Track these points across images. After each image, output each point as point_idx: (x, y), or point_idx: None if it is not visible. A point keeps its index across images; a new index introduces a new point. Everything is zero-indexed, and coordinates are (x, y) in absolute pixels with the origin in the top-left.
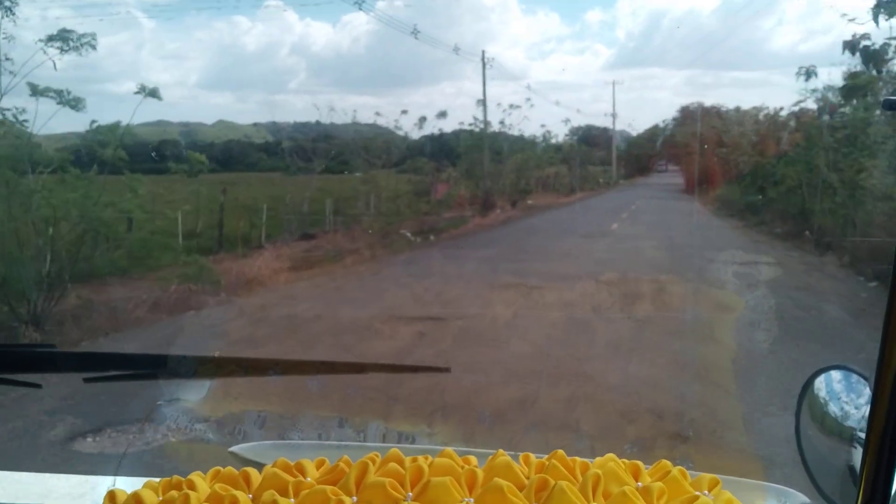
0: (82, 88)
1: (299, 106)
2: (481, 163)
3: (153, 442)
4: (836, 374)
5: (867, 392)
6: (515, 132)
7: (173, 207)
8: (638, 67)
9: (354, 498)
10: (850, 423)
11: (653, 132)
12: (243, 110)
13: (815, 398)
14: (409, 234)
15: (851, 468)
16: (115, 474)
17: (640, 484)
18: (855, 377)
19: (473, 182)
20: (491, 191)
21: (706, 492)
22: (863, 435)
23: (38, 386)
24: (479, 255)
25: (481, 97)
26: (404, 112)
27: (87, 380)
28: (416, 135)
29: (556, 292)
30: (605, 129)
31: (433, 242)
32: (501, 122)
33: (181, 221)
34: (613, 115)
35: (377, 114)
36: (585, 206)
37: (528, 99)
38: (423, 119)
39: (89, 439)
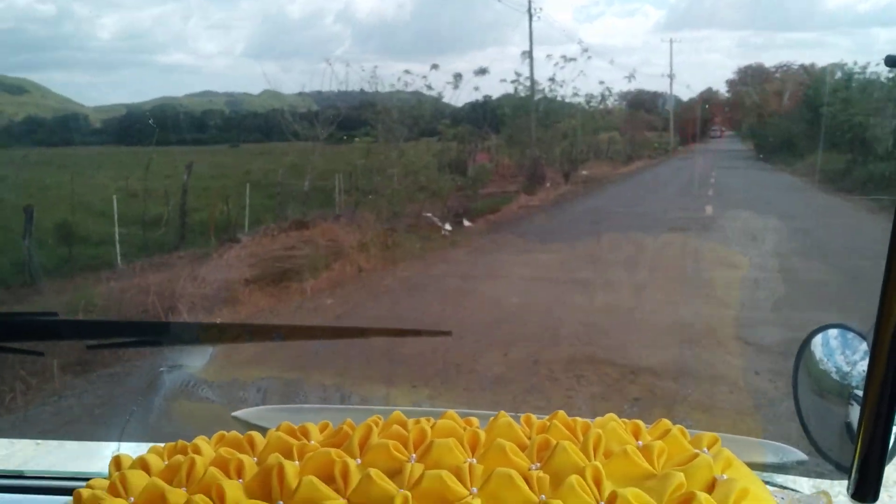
0: (131, 59)
1: (343, 75)
2: (528, 128)
3: (156, 408)
4: (833, 333)
5: (864, 349)
6: (564, 95)
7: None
8: (687, 29)
9: (359, 460)
10: (847, 380)
11: (707, 96)
12: (289, 80)
13: (812, 357)
14: (435, 219)
15: (848, 425)
16: (119, 440)
17: (640, 443)
18: (851, 335)
19: (518, 150)
20: (538, 160)
21: (705, 449)
22: (860, 392)
23: (40, 354)
24: (525, 269)
25: (528, 57)
26: (450, 80)
27: (90, 346)
28: (460, 102)
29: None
30: (655, 94)
31: (465, 233)
32: (551, 82)
33: (133, 205)
34: (671, 76)
35: (424, 80)
36: (652, 178)
37: (575, 59)
38: (458, 76)
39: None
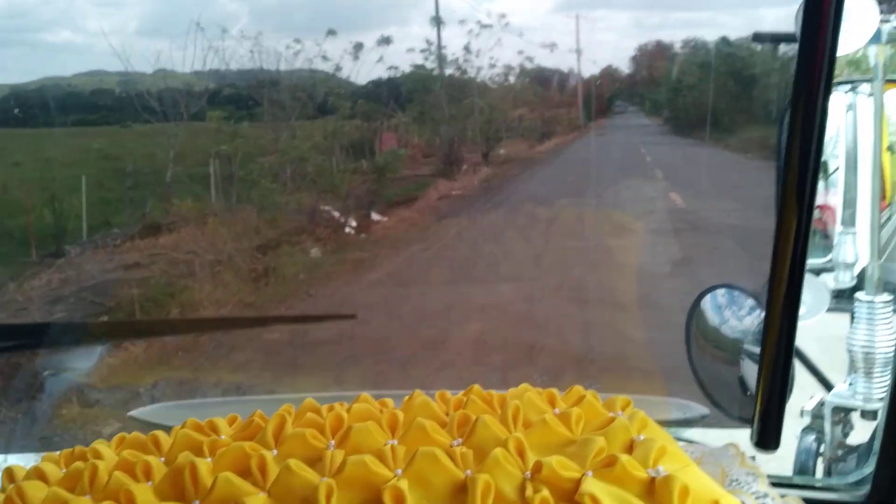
0: (16, 38)
1: (241, 52)
2: (439, 105)
3: (44, 416)
4: (721, 292)
5: (750, 306)
6: (479, 67)
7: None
8: (584, 9)
9: (275, 451)
10: (737, 336)
11: (608, 73)
12: (184, 58)
13: (702, 317)
14: (335, 213)
15: (741, 379)
16: (5, 452)
17: (557, 410)
18: (738, 293)
19: (430, 129)
20: (453, 140)
21: (620, 412)
22: (750, 347)
23: None
24: (484, 323)
25: (433, 37)
26: (352, 55)
27: None
28: (363, 79)
29: None
30: (556, 71)
31: (374, 237)
32: (465, 51)
33: None
34: (578, 52)
35: (324, 58)
36: (578, 156)
37: (491, 26)
38: (358, 46)
39: None
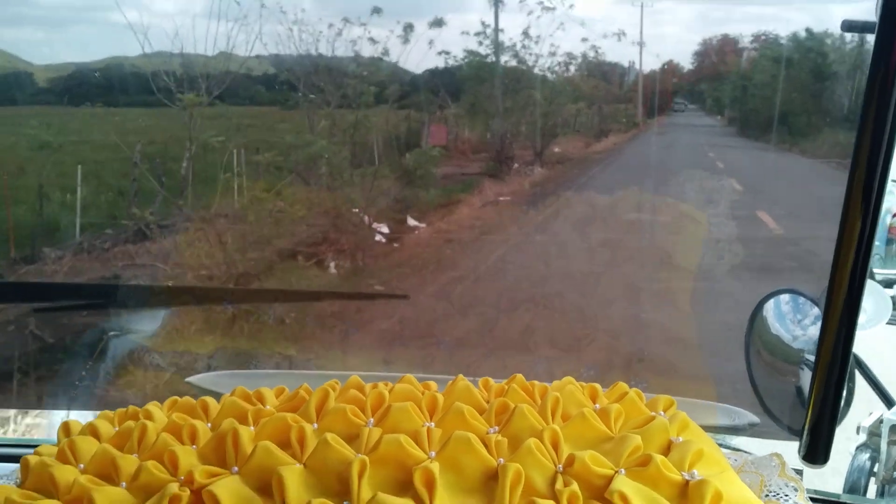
0: (83, 17)
1: (303, 37)
2: (492, 97)
3: (106, 376)
4: (785, 298)
5: (815, 314)
6: (539, 54)
7: None
8: (648, 1)
9: (315, 425)
10: (798, 345)
11: (669, 68)
12: (246, 42)
13: (764, 322)
14: (365, 217)
15: (799, 389)
16: (68, 409)
17: (597, 406)
18: (803, 300)
19: (482, 122)
20: (505, 136)
21: (661, 412)
22: (811, 357)
23: None
24: None
25: (490, 19)
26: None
27: (36, 310)
28: (420, 69)
29: None
30: (617, 64)
31: (390, 264)
32: (524, 36)
33: None
34: (641, 44)
35: (372, 41)
36: (638, 157)
37: (554, 8)
38: (409, 27)
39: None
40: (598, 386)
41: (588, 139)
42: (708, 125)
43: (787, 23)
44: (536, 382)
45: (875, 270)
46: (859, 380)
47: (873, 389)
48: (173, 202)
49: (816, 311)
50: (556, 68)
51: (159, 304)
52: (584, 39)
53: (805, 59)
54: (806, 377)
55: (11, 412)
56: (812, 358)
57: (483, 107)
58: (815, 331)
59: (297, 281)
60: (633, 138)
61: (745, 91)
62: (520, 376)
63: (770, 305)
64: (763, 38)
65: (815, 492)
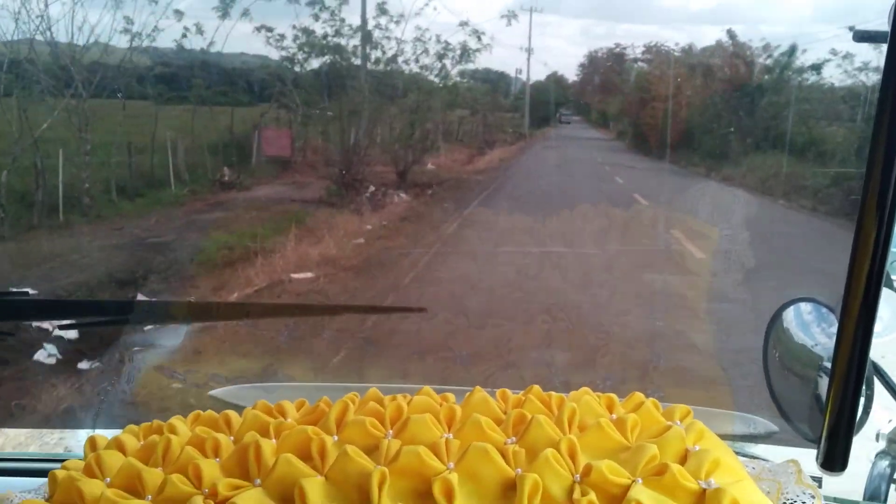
0: None
1: (181, 32)
2: (357, 100)
3: (129, 390)
4: (803, 306)
5: (833, 322)
6: (404, 62)
7: None
8: (536, 14)
9: (335, 437)
10: (816, 353)
11: (555, 79)
12: (127, 33)
13: (782, 329)
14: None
15: (817, 396)
16: (94, 427)
17: (614, 416)
18: (822, 308)
19: (337, 129)
20: (357, 149)
21: (678, 422)
22: (828, 364)
23: (10, 334)
24: None
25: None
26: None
27: (61, 327)
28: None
29: None
30: (502, 74)
31: None
32: (393, 43)
33: None
34: (529, 51)
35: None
36: (532, 183)
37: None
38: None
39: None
40: (614, 396)
41: (471, 151)
42: (596, 138)
43: (665, 42)
44: (553, 393)
45: (893, 277)
46: (879, 387)
47: (893, 396)
48: None
49: (833, 318)
50: (433, 70)
51: (178, 320)
52: (465, 47)
53: (703, 74)
54: (823, 385)
55: None
56: (829, 365)
57: (347, 110)
58: (832, 338)
59: None
60: (522, 152)
61: (643, 105)
62: (536, 387)
63: (788, 313)
64: (655, 48)
65: (835, 499)
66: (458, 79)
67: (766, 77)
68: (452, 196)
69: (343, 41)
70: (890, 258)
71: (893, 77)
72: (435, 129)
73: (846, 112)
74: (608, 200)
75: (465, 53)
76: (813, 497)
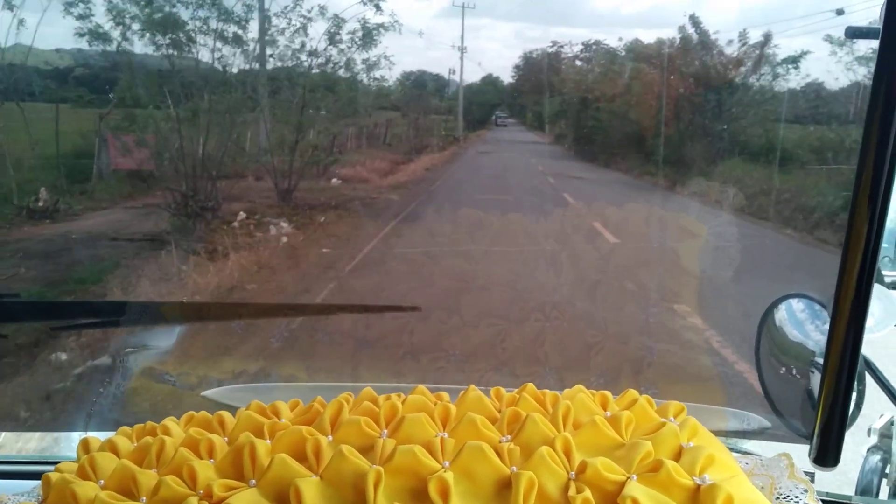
0: None
1: (115, 34)
2: (219, 100)
3: (122, 392)
4: (795, 303)
5: (825, 318)
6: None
7: None
8: (468, 17)
9: (330, 437)
10: (808, 349)
11: (489, 81)
12: (52, 35)
13: (774, 326)
14: None
15: (810, 392)
16: (86, 425)
17: (608, 413)
18: (814, 304)
19: (217, 133)
20: (204, 165)
21: (672, 418)
22: (821, 360)
23: (4, 337)
24: None
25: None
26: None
27: (53, 328)
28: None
29: None
30: (436, 76)
31: None
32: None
33: None
34: (462, 49)
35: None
36: (464, 195)
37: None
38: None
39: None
40: (608, 393)
41: (396, 156)
42: (534, 142)
43: (598, 45)
44: (547, 391)
45: (884, 273)
46: (870, 382)
47: (884, 392)
48: None
49: (825, 314)
50: (318, 56)
51: (171, 321)
52: (376, 25)
53: (646, 74)
54: (816, 381)
55: None
56: (821, 361)
57: (188, 110)
58: (824, 334)
59: None
60: (452, 160)
61: (584, 107)
62: (531, 385)
63: (780, 310)
64: (595, 46)
65: (828, 494)
66: (377, 74)
67: (714, 73)
68: (352, 223)
69: (183, 12)
70: (881, 254)
71: (885, 74)
72: (342, 133)
73: (808, 112)
74: (559, 237)
75: (367, 35)
76: (805, 491)
